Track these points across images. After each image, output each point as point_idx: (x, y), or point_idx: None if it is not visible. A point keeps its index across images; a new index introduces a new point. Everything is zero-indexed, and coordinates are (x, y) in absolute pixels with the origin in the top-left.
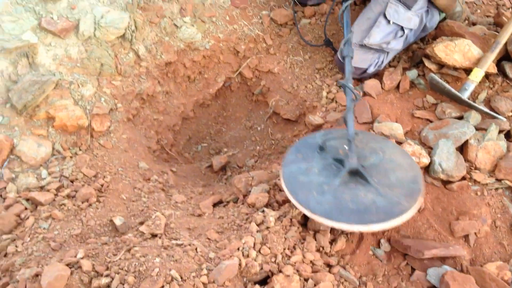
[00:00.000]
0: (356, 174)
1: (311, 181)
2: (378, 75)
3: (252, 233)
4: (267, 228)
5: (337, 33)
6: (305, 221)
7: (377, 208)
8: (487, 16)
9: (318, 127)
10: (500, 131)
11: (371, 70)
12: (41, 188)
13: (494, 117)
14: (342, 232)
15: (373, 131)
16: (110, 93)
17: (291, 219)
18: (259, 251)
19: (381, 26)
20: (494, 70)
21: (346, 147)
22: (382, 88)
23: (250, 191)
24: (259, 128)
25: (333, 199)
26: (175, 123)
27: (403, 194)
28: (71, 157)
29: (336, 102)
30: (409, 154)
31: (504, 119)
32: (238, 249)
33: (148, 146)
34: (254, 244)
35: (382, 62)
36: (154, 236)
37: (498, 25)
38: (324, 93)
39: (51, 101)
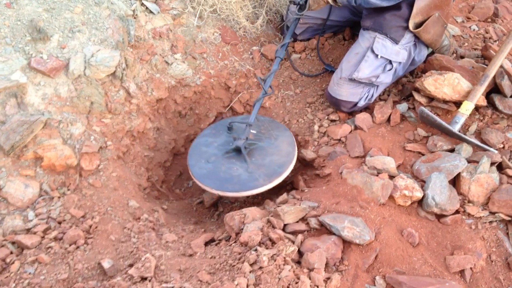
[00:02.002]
0: (241, 152)
1: (207, 152)
2: (368, 108)
3: (245, 273)
4: (260, 268)
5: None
6: (299, 258)
7: (239, 181)
8: (475, 49)
9: (311, 162)
10: (492, 163)
11: (362, 103)
12: (28, 230)
13: (485, 150)
14: (336, 269)
15: (366, 165)
16: (100, 131)
17: (284, 258)
18: None
19: (369, 60)
20: (483, 102)
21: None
22: (373, 121)
23: (242, 229)
24: None
25: (212, 168)
26: (166, 159)
27: (264, 174)
28: (59, 197)
29: (328, 136)
30: (295, 145)
31: (496, 151)
32: None
33: (139, 184)
34: (247, 285)
35: (372, 95)
36: (143, 279)
37: (486, 58)
38: (316, 127)
39: (39, 141)
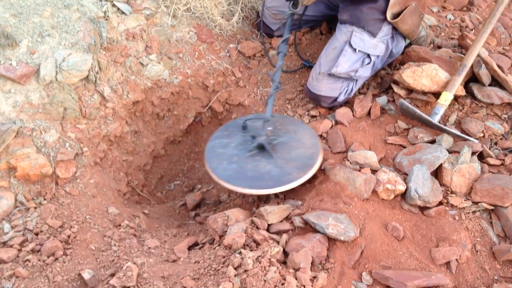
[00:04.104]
0: (263, 149)
1: (225, 153)
2: (348, 102)
3: (230, 278)
4: (245, 271)
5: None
6: (284, 259)
7: (270, 177)
8: (451, 39)
9: None
10: (473, 153)
11: (341, 98)
12: (4, 243)
13: (465, 139)
14: (323, 268)
15: (348, 160)
16: (75, 137)
17: (270, 259)
18: None
19: (348, 54)
20: (462, 92)
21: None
22: (353, 115)
23: (226, 231)
24: None
25: (237, 168)
26: (146, 162)
27: (296, 167)
28: (35, 207)
29: None
30: (317, 136)
31: (476, 141)
32: None
33: (118, 189)
34: None
35: (352, 90)
36: None
37: (463, 47)
38: None
39: (12, 151)
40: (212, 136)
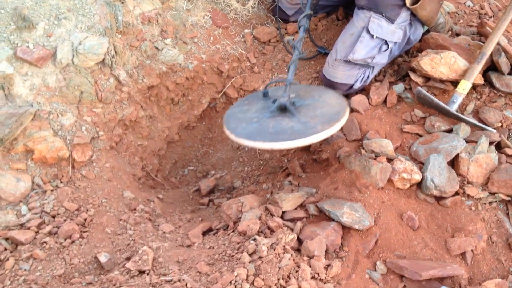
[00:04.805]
0: (285, 110)
1: (245, 116)
2: (364, 90)
3: (245, 264)
4: (260, 257)
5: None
6: (298, 246)
7: (292, 131)
8: (470, 26)
9: (307, 146)
10: (491, 143)
11: (358, 85)
12: (21, 225)
13: (483, 129)
14: (337, 256)
15: (363, 148)
16: (91, 121)
17: (284, 246)
18: (252, 283)
19: (365, 41)
20: (481, 81)
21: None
22: (369, 103)
23: (240, 218)
24: (246, 149)
25: (258, 126)
26: (160, 147)
27: (321, 122)
28: (52, 190)
29: None
30: (343, 97)
31: (494, 130)
32: (231, 282)
33: (133, 174)
34: (247, 276)
35: (368, 77)
36: (141, 272)
37: (482, 35)
38: None
39: (29, 133)
40: (231, 106)
